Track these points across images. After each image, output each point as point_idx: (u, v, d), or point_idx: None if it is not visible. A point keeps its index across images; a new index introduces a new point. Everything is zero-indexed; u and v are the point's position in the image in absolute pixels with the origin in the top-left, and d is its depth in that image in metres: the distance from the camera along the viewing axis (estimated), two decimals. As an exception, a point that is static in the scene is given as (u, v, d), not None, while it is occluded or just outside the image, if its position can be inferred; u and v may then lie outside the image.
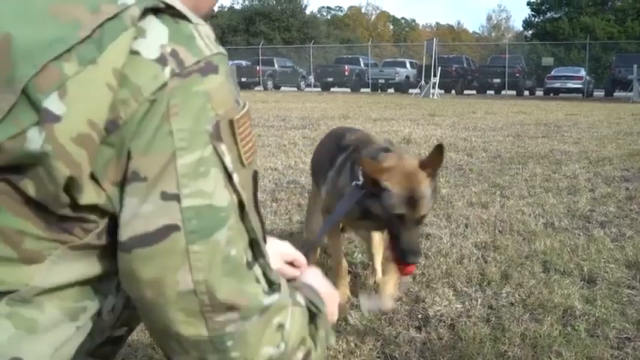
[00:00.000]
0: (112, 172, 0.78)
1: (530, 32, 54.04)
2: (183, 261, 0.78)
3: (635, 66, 24.46)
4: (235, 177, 0.81)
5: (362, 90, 33.35)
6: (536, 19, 53.30)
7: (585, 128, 11.23)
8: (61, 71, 0.74)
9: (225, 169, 0.80)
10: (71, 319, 0.85)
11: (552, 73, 32.14)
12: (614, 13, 48.89)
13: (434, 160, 2.31)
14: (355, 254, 3.40)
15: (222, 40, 47.48)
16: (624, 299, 2.83)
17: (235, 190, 0.82)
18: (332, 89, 33.59)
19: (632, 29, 44.99)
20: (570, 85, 30.51)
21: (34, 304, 0.81)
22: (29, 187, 0.77)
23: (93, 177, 0.78)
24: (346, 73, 33.71)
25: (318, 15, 74.00)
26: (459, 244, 3.63)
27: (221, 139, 0.80)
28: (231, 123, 0.82)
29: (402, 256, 2.15)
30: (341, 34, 65.23)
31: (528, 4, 53.43)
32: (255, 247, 0.86)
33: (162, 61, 0.77)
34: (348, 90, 33.27)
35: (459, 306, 2.75)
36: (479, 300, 2.80)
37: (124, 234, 0.78)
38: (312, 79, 35.76)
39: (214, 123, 0.79)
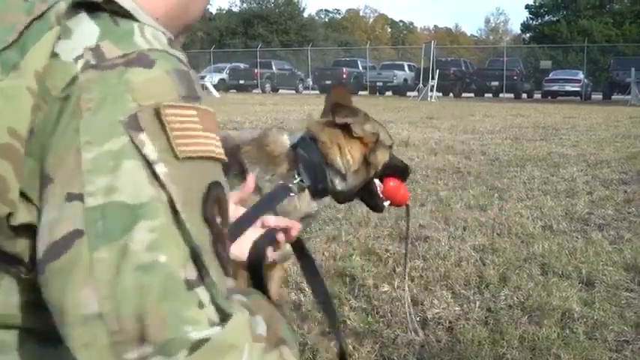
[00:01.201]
0: (36, 183, 0.69)
1: (528, 35, 54.15)
2: (87, 274, 0.62)
3: (633, 69, 24.48)
4: (161, 169, 0.66)
5: (360, 92, 33.29)
6: (534, 22, 53.40)
7: (583, 131, 11.24)
8: None
9: (146, 159, 0.66)
10: (45, 345, 0.77)
11: (550, 76, 32.16)
12: (612, 16, 49.02)
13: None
14: (352, 257, 3.40)
15: (220, 42, 47.60)
16: (623, 302, 2.83)
17: (161, 185, 0.66)
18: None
19: (630, 32, 45.09)
20: (568, 87, 30.51)
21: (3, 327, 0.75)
22: None
23: (22, 193, 0.69)
24: (344, 76, 33.67)
25: (317, 18, 74.06)
26: (457, 247, 3.62)
27: (140, 128, 0.66)
28: (157, 111, 0.67)
29: (405, 173, 2.11)
30: (339, 36, 65.24)
31: (526, 7, 53.56)
32: (198, 262, 0.66)
33: (77, 57, 0.69)
34: (347, 92, 33.23)
35: (457, 308, 2.75)
36: (477, 303, 2.80)
37: (39, 250, 0.66)
38: (310, 81, 35.75)
39: (132, 114, 0.67)
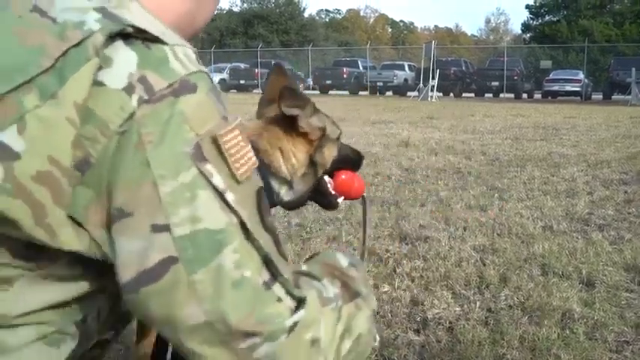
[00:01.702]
0: (96, 214, 0.74)
1: (528, 35, 54.20)
2: (190, 293, 0.74)
3: (633, 69, 24.49)
4: (229, 196, 0.76)
5: (360, 93, 33.34)
6: (534, 22, 53.46)
7: (584, 131, 11.24)
8: (20, 104, 0.70)
9: (216, 189, 0.75)
10: (49, 343, 0.83)
11: (551, 76, 32.17)
12: (612, 16, 49.05)
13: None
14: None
15: (220, 42, 47.61)
16: (623, 302, 2.83)
17: (232, 210, 0.76)
18: (330, 92, 33.59)
19: (630, 32, 45.13)
20: (569, 88, 30.53)
21: (6, 327, 0.79)
22: None
23: (72, 219, 0.74)
24: (344, 76, 33.72)
25: (317, 18, 74.10)
26: (458, 247, 3.62)
27: (205, 158, 0.75)
28: (214, 140, 0.76)
29: (358, 163, 1.70)
30: (339, 36, 65.30)
31: (527, 7, 53.61)
32: (270, 265, 0.80)
33: (129, 89, 0.72)
34: (347, 93, 33.28)
35: (457, 309, 2.75)
36: (477, 303, 2.80)
37: (125, 275, 0.74)
38: (310, 81, 35.77)
39: (194, 144, 0.74)
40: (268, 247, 0.80)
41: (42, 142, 0.71)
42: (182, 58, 0.77)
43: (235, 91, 31.90)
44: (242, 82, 33.69)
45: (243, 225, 0.77)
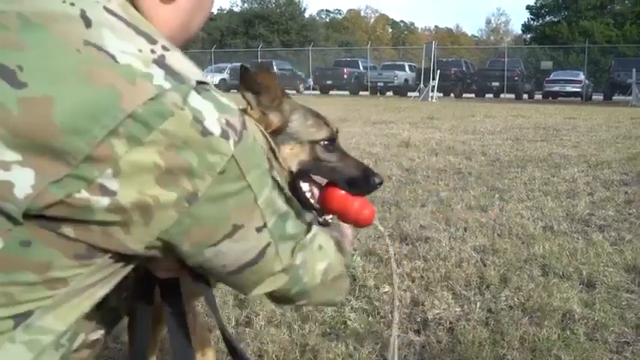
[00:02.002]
0: (194, 237, 0.93)
1: (529, 36, 54.21)
2: (275, 261, 1.05)
3: (634, 70, 24.47)
4: (285, 188, 1.05)
5: (361, 93, 33.34)
6: (535, 23, 53.46)
7: (584, 132, 11.24)
8: (113, 150, 0.80)
9: (279, 185, 1.03)
10: (55, 346, 0.92)
11: (551, 76, 32.16)
12: (613, 17, 49.06)
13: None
14: (354, 257, 3.40)
15: (221, 42, 47.60)
16: (623, 303, 2.83)
17: (284, 194, 1.05)
18: (331, 92, 33.58)
19: (631, 33, 45.13)
20: (569, 88, 30.51)
21: (44, 329, 0.88)
22: (72, 232, 0.85)
23: (165, 243, 0.92)
24: (345, 76, 33.71)
25: (317, 18, 74.08)
26: (458, 248, 3.62)
27: (272, 166, 1.01)
28: (272, 151, 1.15)
29: (365, 184, 1.44)
30: (340, 37, 65.28)
31: (527, 7, 53.63)
32: (289, 199, 1.07)
33: (225, 135, 0.88)
34: (347, 93, 33.27)
35: (457, 309, 2.75)
36: (478, 303, 2.80)
37: (234, 266, 1.01)
38: (311, 81, 35.76)
39: (265, 158, 1.00)
40: (295, 200, 1.11)
41: (132, 181, 0.83)
42: (219, 92, 0.92)
43: (236, 91, 31.71)
44: (243, 82, 33.61)
45: (282, 191, 1.05)
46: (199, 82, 0.88)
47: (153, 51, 0.87)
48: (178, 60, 0.90)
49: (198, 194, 0.87)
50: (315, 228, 1.17)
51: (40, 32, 0.81)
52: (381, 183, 1.45)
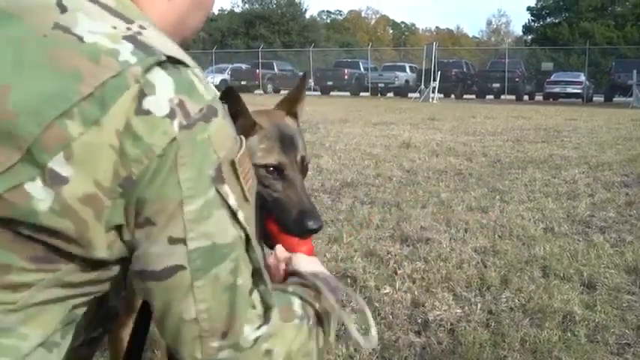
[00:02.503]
0: (125, 220, 0.83)
1: (529, 37, 54.19)
2: (188, 294, 0.84)
3: (634, 71, 24.46)
4: (240, 214, 0.86)
5: (361, 94, 33.32)
6: (536, 24, 53.43)
7: (585, 133, 11.24)
8: (66, 131, 0.75)
9: (230, 208, 0.85)
10: (47, 349, 0.87)
11: (552, 77, 32.13)
12: (613, 19, 49.05)
13: (292, 94, 1.55)
14: (354, 258, 3.40)
15: (221, 43, 47.61)
16: (624, 305, 2.83)
17: (242, 227, 0.86)
18: (331, 93, 33.58)
19: (632, 34, 45.10)
20: (570, 90, 30.49)
21: (16, 332, 0.83)
22: (31, 234, 0.79)
23: (116, 228, 0.82)
24: (346, 77, 33.69)
25: (318, 19, 74.08)
26: (459, 249, 3.62)
27: (223, 180, 0.84)
28: (232, 163, 0.85)
29: (296, 225, 1.27)
30: (341, 37, 65.33)
31: (528, 9, 53.60)
32: (257, 275, 0.90)
33: (171, 115, 0.79)
34: (348, 94, 33.25)
35: (458, 311, 2.75)
36: (478, 305, 2.80)
37: (137, 266, 0.85)
38: (311, 82, 35.77)
39: (216, 166, 0.83)
40: (259, 259, 0.90)
41: (87, 167, 0.77)
42: (203, 81, 0.85)
43: (236, 91, 31.82)
44: (243, 82, 33.59)
45: (247, 239, 0.88)
46: (174, 60, 0.82)
47: (128, 28, 0.82)
48: (156, 37, 0.85)
49: (132, 177, 0.79)
50: (276, 322, 0.91)
51: (13, 23, 0.80)
52: (317, 229, 1.26)
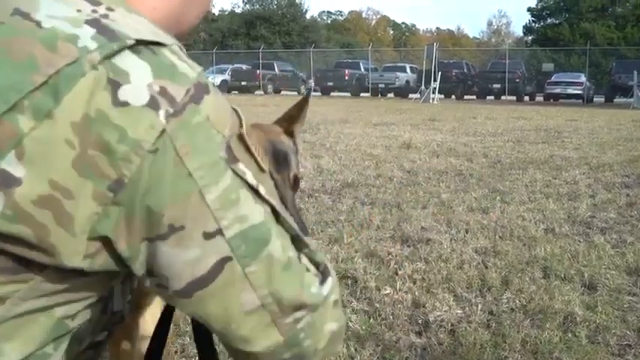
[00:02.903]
0: (127, 231, 0.74)
1: (530, 38, 54.23)
2: (244, 284, 0.79)
3: (635, 72, 24.48)
4: (261, 189, 0.80)
5: (362, 94, 33.35)
6: (536, 25, 53.44)
7: (585, 134, 11.23)
8: (17, 126, 0.67)
9: (250, 185, 0.78)
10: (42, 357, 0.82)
11: (552, 78, 32.19)
12: (614, 20, 49.07)
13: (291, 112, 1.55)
14: (355, 259, 3.40)
15: (222, 43, 47.62)
16: (625, 306, 2.83)
17: (265, 201, 0.81)
18: (332, 93, 33.61)
19: (632, 35, 45.14)
20: (570, 90, 30.54)
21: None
22: None
23: (102, 240, 0.74)
24: (346, 78, 33.74)
25: (319, 19, 74.09)
26: (460, 250, 3.62)
27: (236, 159, 0.77)
28: (240, 138, 0.79)
29: None
30: (341, 38, 65.38)
31: (529, 9, 53.63)
32: (298, 241, 0.86)
33: (154, 105, 0.71)
34: (348, 94, 33.28)
35: (459, 311, 2.75)
36: (479, 305, 2.79)
37: (179, 283, 0.77)
38: (312, 83, 35.79)
39: (225, 146, 0.76)
40: (294, 226, 0.86)
41: (41, 165, 0.69)
42: (184, 58, 0.77)
43: (237, 92, 31.91)
44: (244, 83, 33.67)
45: (274, 212, 0.82)
46: (146, 42, 0.74)
47: (94, 11, 0.74)
48: (125, 19, 0.76)
49: (124, 180, 0.70)
50: (333, 274, 0.92)
51: None
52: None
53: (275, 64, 36.21)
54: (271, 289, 0.80)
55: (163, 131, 0.71)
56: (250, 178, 0.79)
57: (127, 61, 0.71)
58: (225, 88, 31.67)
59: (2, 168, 0.67)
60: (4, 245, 0.71)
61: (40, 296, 0.77)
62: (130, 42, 0.72)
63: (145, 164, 0.71)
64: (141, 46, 0.73)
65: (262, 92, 33.07)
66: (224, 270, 0.77)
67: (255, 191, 0.79)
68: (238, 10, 60.24)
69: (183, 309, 0.82)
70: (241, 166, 0.78)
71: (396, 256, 3.48)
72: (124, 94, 0.70)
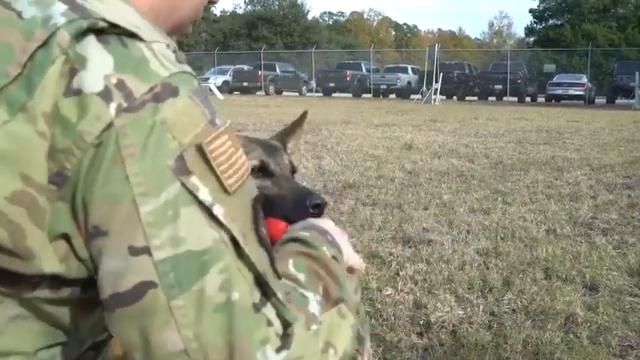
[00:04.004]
0: (76, 230, 0.69)
1: (532, 39, 54.18)
2: (168, 318, 0.67)
3: (637, 73, 24.50)
4: (218, 210, 0.68)
5: (363, 95, 33.35)
6: (538, 26, 53.41)
7: (587, 135, 11.23)
8: None
9: (202, 203, 0.68)
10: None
11: (554, 79, 32.21)
12: (615, 21, 49.05)
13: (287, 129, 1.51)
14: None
15: (223, 44, 47.63)
16: (626, 307, 2.83)
17: (221, 226, 0.69)
18: (333, 94, 33.61)
19: (634, 36, 45.13)
20: (572, 91, 30.56)
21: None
22: None
23: (64, 238, 0.70)
24: (348, 79, 33.78)
25: (320, 20, 74.12)
26: (461, 251, 3.62)
27: (189, 171, 0.67)
28: (199, 148, 0.68)
29: (298, 208, 1.16)
30: (343, 39, 65.37)
31: (530, 11, 53.57)
32: (264, 285, 0.72)
33: (106, 95, 0.65)
34: (350, 95, 33.29)
35: (460, 312, 2.75)
36: (480, 306, 2.79)
37: (102, 292, 0.69)
38: (313, 84, 35.79)
39: (177, 155, 0.67)
40: (262, 264, 0.72)
41: (14, 160, 0.65)
42: (161, 57, 0.71)
43: (239, 93, 31.93)
44: (245, 84, 33.68)
45: (234, 241, 0.70)
46: (122, 31, 0.69)
47: None
48: (106, 3, 0.72)
49: (66, 173, 0.66)
50: (299, 334, 0.74)
51: None
52: (318, 205, 1.16)
53: (276, 65, 36.23)
54: (197, 332, 0.67)
55: (110, 124, 0.65)
56: (204, 195, 0.68)
57: (90, 47, 0.67)
58: (227, 88, 31.69)
59: None
60: None
61: (25, 305, 0.75)
62: (103, 24, 0.67)
63: (87, 158, 0.66)
64: (111, 35, 0.68)
65: (264, 93, 33.07)
66: (146, 295, 0.66)
67: (208, 211, 0.68)
68: (240, 11, 60.40)
69: (109, 327, 0.71)
70: (194, 180, 0.68)
71: (397, 256, 3.48)
72: (77, 81, 0.66)
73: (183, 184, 0.67)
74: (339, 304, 0.87)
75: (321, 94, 33.54)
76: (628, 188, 5.78)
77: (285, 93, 34.58)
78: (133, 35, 0.70)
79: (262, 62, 35.61)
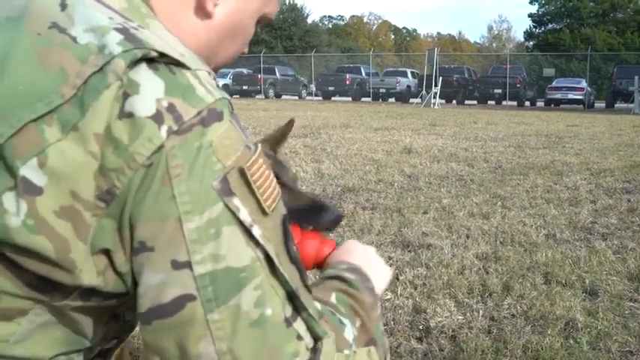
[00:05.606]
0: (119, 245, 0.73)
1: (531, 43, 54.30)
2: (204, 331, 0.71)
3: (636, 77, 24.50)
4: (256, 230, 0.73)
5: (363, 99, 33.40)
6: (537, 30, 53.55)
7: (586, 139, 11.23)
8: (42, 135, 0.68)
9: (242, 224, 0.73)
10: None
11: (553, 84, 32.25)
12: (615, 25, 49.21)
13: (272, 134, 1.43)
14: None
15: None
16: (626, 312, 2.82)
17: (258, 245, 0.74)
18: (333, 98, 33.66)
19: (632, 41, 45.28)
20: (571, 96, 30.61)
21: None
22: (13, 256, 0.71)
23: (102, 251, 0.73)
24: (347, 82, 33.81)
25: (320, 24, 74.24)
26: (460, 255, 3.61)
27: (232, 192, 0.72)
28: (242, 172, 0.73)
29: (312, 217, 1.16)
30: (342, 43, 65.45)
31: (530, 15, 53.71)
32: (295, 300, 0.77)
33: (157, 118, 0.69)
34: (349, 99, 33.34)
35: (460, 317, 2.74)
36: (480, 311, 2.79)
37: (142, 306, 0.73)
38: (313, 87, 35.82)
39: (221, 177, 0.72)
40: (294, 281, 0.77)
41: (64, 176, 0.68)
42: (206, 84, 0.75)
43: (238, 96, 31.93)
44: (245, 87, 33.71)
45: (269, 260, 0.75)
46: (170, 60, 0.73)
47: (126, 22, 0.75)
48: (156, 34, 0.76)
49: (115, 191, 0.69)
50: (328, 350, 0.79)
51: (14, 24, 0.75)
52: (337, 219, 1.18)
53: (276, 69, 36.25)
54: (232, 346, 0.72)
55: (161, 147, 0.69)
56: (244, 215, 0.73)
57: (142, 73, 0.71)
58: (227, 92, 31.25)
59: (23, 175, 0.68)
60: (25, 260, 0.71)
61: (56, 313, 0.77)
62: (154, 53, 0.72)
63: (137, 177, 0.69)
64: (160, 64, 0.73)
65: (263, 96, 33.08)
66: (185, 308, 0.71)
67: (247, 231, 0.73)
68: (240, 15, 60.33)
69: (145, 339, 0.75)
70: (236, 202, 0.72)
71: (396, 261, 3.47)
72: (129, 105, 0.69)
73: (226, 205, 0.72)
74: (370, 345, 0.91)
75: (320, 98, 33.56)
76: (627, 193, 5.78)
77: (284, 96, 34.61)
78: (180, 64, 0.74)
79: (262, 66, 35.59)
